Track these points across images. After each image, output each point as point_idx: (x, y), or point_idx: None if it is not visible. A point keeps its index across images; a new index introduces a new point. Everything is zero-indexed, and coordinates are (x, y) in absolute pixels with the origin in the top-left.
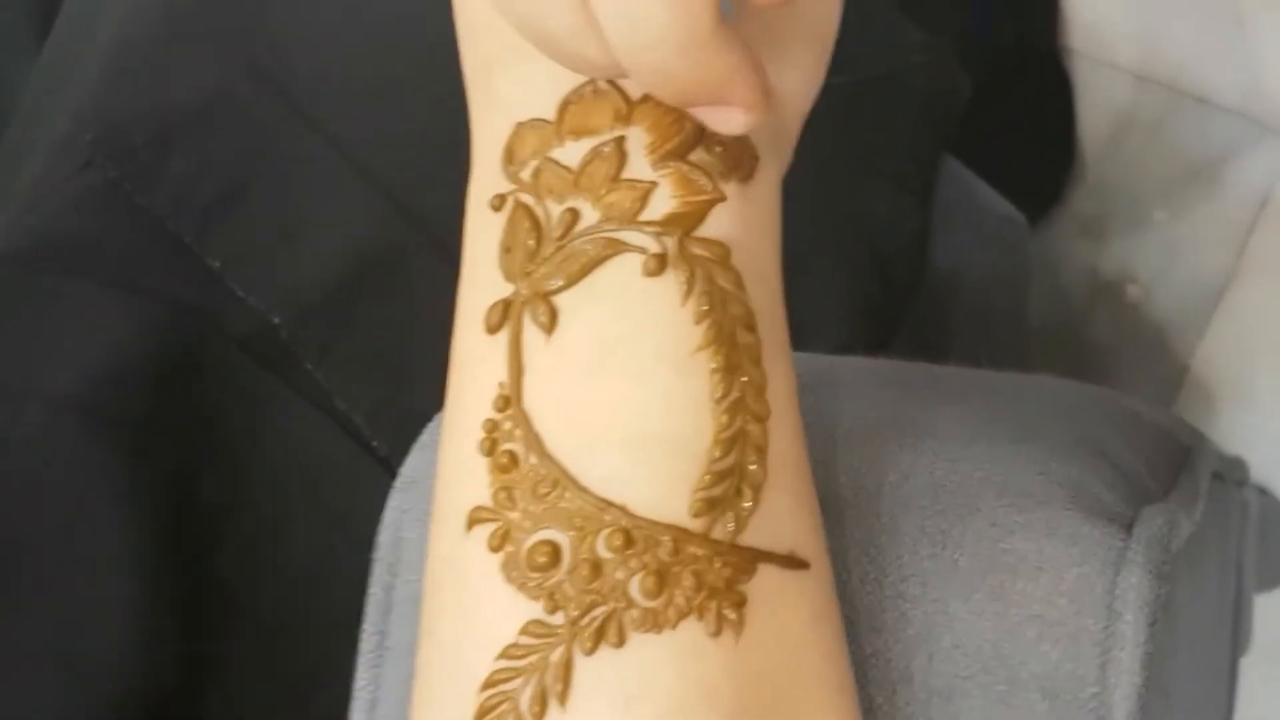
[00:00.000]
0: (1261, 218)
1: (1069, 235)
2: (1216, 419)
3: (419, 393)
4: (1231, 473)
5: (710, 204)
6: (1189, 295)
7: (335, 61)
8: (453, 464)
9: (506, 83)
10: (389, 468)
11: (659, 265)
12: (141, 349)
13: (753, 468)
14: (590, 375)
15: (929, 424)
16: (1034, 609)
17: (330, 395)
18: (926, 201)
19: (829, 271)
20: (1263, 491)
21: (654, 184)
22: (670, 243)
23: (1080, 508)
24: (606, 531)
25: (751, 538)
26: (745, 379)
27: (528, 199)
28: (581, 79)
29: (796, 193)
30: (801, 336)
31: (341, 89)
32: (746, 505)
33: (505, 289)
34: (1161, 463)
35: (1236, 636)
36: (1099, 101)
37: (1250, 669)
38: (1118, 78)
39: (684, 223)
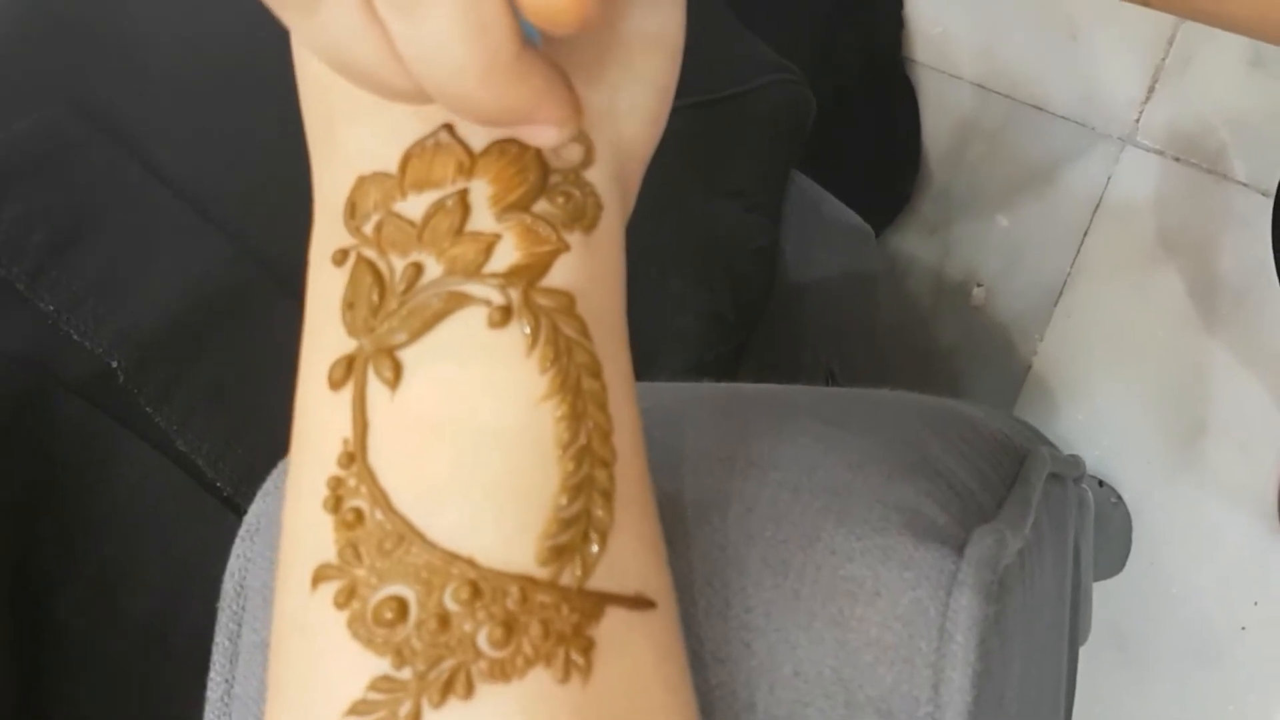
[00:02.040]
0: (1095, 220)
1: (916, 241)
2: (1058, 414)
3: (263, 433)
4: (1069, 470)
5: (554, 254)
6: (1030, 296)
7: (174, 103)
8: (297, 521)
9: (347, 135)
10: (234, 508)
11: (503, 316)
12: None
13: (599, 513)
14: (434, 429)
15: (771, 454)
16: (871, 634)
17: (171, 438)
18: (776, 218)
19: (681, 290)
20: (1100, 483)
21: (498, 236)
22: (515, 294)
23: (914, 532)
24: (454, 584)
25: (598, 581)
26: (592, 425)
27: (370, 253)
28: (423, 130)
29: (649, 213)
30: (655, 354)
31: (180, 129)
32: (594, 550)
33: (349, 344)
34: (995, 474)
35: (1075, 627)
36: (943, 111)
37: (1090, 656)
38: (960, 88)
39: (528, 274)
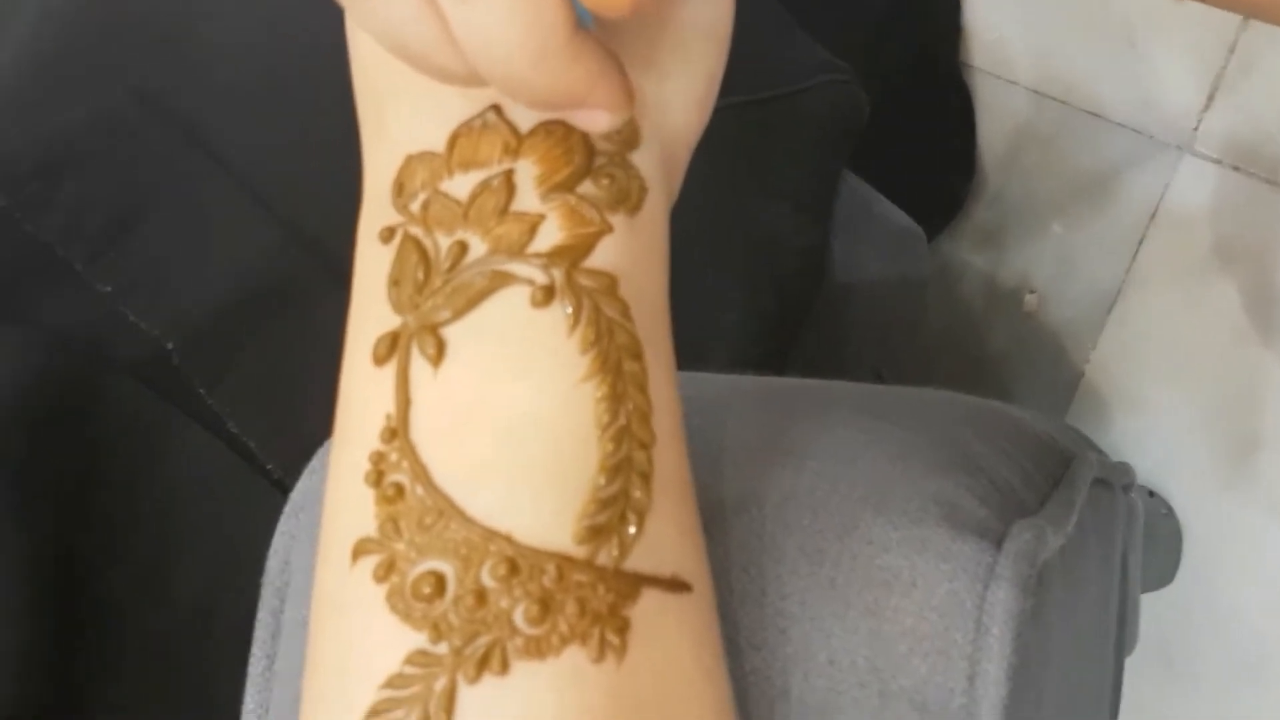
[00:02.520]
0: (1151, 228)
1: (969, 247)
2: (1109, 423)
3: (314, 417)
4: (1117, 478)
5: (597, 236)
6: (1083, 304)
7: (231, 86)
8: (339, 495)
9: (396, 116)
10: (284, 490)
11: (546, 296)
12: (23, 379)
13: (638, 494)
14: (476, 406)
15: (811, 444)
16: (906, 624)
17: (223, 419)
18: (824, 219)
19: (728, 288)
20: (1151, 494)
21: (542, 216)
22: (558, 274)
23: (953, 524)
24: (491, 561)
25: (635, 563)
26: (631, 407)
27: (417, 231)
28: (471, 111)
29: (696, 210)
30: (701, 351)
31: (237, 113)
32: (631, 531)
33: (393, 321)
34: (1040, 473)
35: (1121, 637)
36: (998, 116)
37: (1137, 668)
38: (1015, 93)
39: (571, 254)
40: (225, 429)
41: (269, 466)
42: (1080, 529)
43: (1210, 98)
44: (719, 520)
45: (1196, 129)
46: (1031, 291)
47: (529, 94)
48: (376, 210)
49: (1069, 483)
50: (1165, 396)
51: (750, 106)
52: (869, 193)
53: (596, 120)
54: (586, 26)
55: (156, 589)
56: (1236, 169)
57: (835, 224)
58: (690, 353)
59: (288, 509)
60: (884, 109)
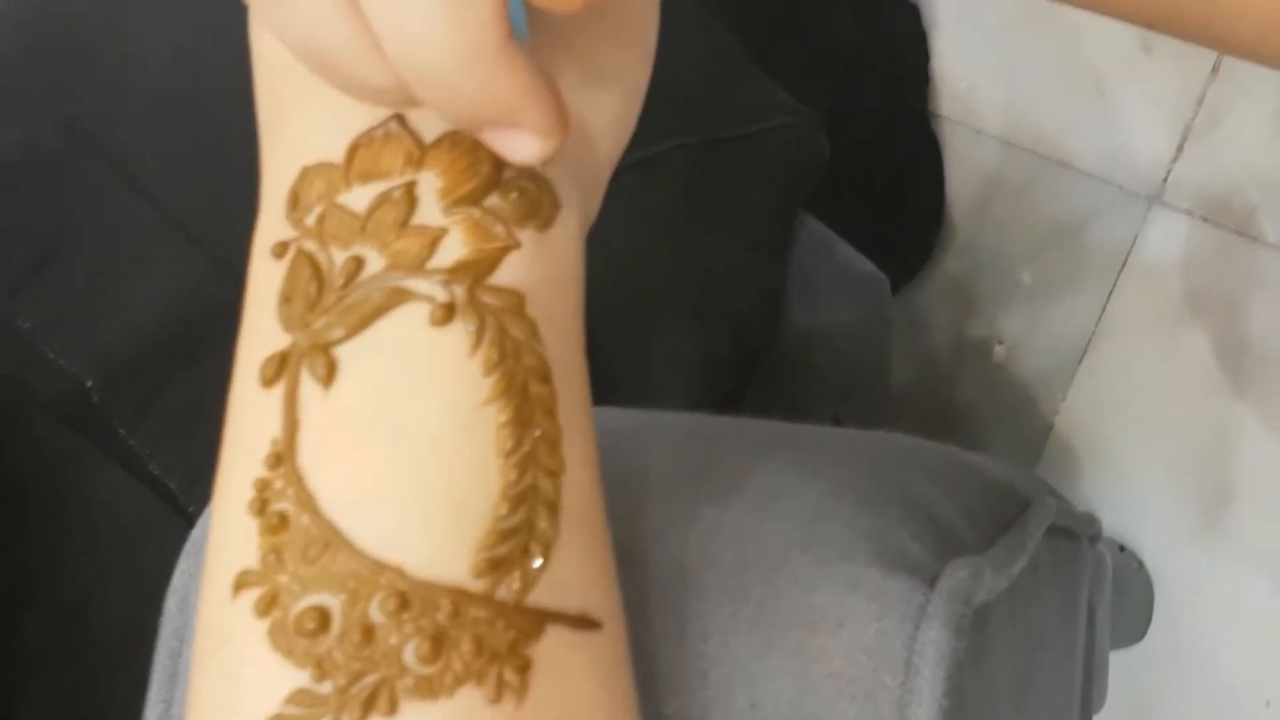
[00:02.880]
0: (1121, 279)
1: (937, 296)
2: (1079, 475)
3: None
4: (1083, 528)
5: (503, 251)
6: (1053, 355)
7: (164, 122)
8: (222, 525)
9: (296, 125)
10: None
11: (446, 314)
12: None
13: (543, 525)
14: (368, 430)
15: (738, 478)
16: (833, 666)
17: (144, 460)
18: (781, 260)
19: (682, 329)
20: (1122, 548)
21: (444, 230)
22: (459, 291)
23: (883, 562)
24: (380, 595)
25: (539, 598)
26: (538, 433)
27: (311, 246)
28: (373, 121)
29: (649, 250)
30: (653, 393)
31: (167, 145)
32: (535, 564)
33: (283, 340)
34: (988, 515)
35: (1089, 691)
36: (967, 165)
37: None
38: (985, 142)
39: (474, 270)
40: (146, 470)
41: (190, 509)
42: (1035, 575)
43: (1180, 148)
44: (637, 555)
45: (1166, 180)
46: (1000, 342)
47: (456, 102)
48: (271, 225)
49: (1020, 526)
50: (1136, 448)
51: (708, 146)
52: (829, 237)
53: (525, 145)
54: (521, 37)
55: (72, 633)
56: (1206, 220)
57: (793, 267)
58: (640, 394)
59: (188, 546)
60: (852, 158)
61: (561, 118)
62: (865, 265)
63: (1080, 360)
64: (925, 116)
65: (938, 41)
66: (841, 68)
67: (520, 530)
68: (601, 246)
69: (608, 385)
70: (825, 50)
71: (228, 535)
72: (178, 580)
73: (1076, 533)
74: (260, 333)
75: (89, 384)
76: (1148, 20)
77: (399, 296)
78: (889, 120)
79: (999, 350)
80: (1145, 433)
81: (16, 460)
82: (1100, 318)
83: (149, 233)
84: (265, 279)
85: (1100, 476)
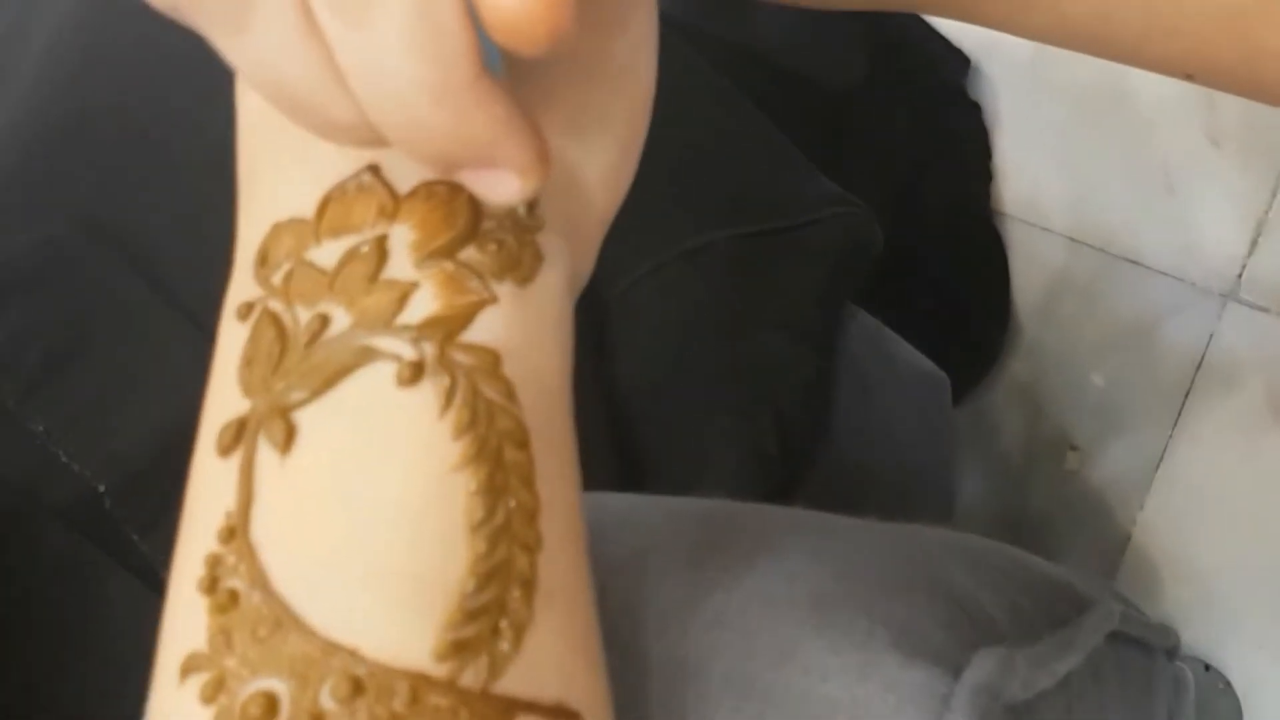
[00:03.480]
0: (1197, 380)
1: (1005, 400)
2: (1161, 589)
3: None
4: (1157, 640)
5: (477, 306)
6: (1128, 461)
7: (183, 215)
8: (174, 604)
9: (269, 182)
10: None
11: (414, 373)
12: None
13: (515, 605)
14: (325, 500)
15: (747, 561)
16: None
17: (158, 568)
18: (826, 353)
19: (725, 425)
20: (1207, 667)
21: (415, 284)
22: (429, 348)
23: (903, 649)
24: (332, 679)
25: (510, 685)
26: (513, 503)
27: (276, 305)
28: (347, 173)
29: (693, 341)
30: (693, 489)
31: (189, 245)
32: (504, 648)
33: (242, 406)
34: (1038, 611)
35: None
36: (1033, 264)
37: None
38: (1051, 241)
39: (446, 326)
40: (159, 578)
41: None
42: (1098, 683)
43: (1254, 243)
44: (633, 645)
45: (1240, 275)
46: (1073, 448)
47: (427, 141)
48: (239, 285)
49: (1076, 626)
50: (1220, 561)
51: (754, 238)
52: (882, 332)
53: (505, 185)
54: (495, 71)
55: None
56: None
57: (845, 363)
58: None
59: None
60: (915, 258)
61: (542, 155)
62: (924, 364)
63: (1157, 466)
64: (989, 215)
65: (1000, 138)
66: (903, 166)
67: (489, 609)
68: (645, 338)
69: (647, 481)
70: (887, 149)
71: (178, 615)
72: None
73: (1150, 644)
74: (221, 399)
75: (102, 489)
76: (1185, 71)
77: (365, 355)
78: (952, 219)
79: (1072, 456)
80: (1230, 544)
81: (24, 567)
82: (1177, 421)
83: (168, 334)
84: (230, 342)
85: (1183, 591)
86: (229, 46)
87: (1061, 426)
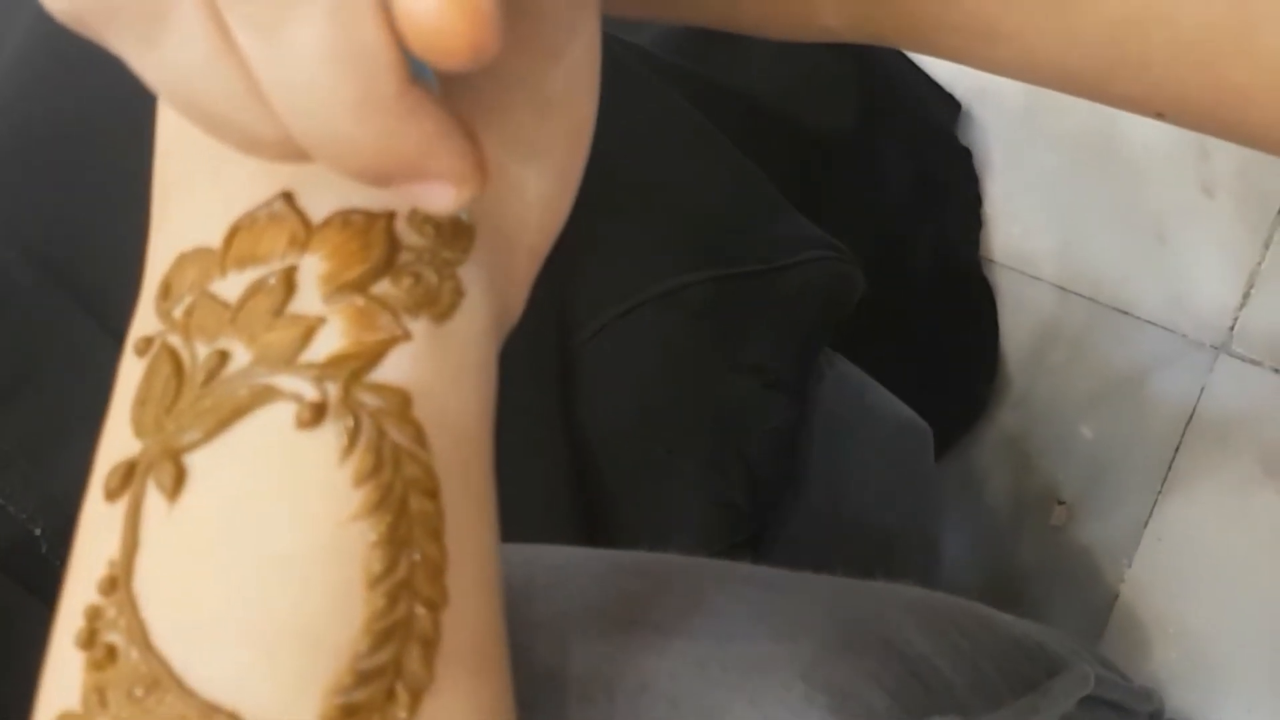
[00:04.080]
0: (1188, 434)
1: (992, 452)
2: (1149, 650)
3: None
4: (1138, 704)
5: (387, 344)
6: (1117, 516)
7: (132, 252)
8: (52, 659)
9: (178, 208)
10: None
11: (315, 415)
12: None
13: (414, 667)
14: (212, 550)
15: (681, 620)
16: None
17: None
18: (797, 400)
19: (691, 474)
20: None
21: (322, 320)
22: (332, 388)
23: (842, 717)
24: None
25: None
26: (417, 556)
27: (175, 341)
28: (258, 200)
29: (663, 387)
30: (659, 543)
31: (136, 282)
32: (400, 714)
33: (133, 447)
34: (1002, 677)
35: None
36: (1022, 313)
37: None
38: (1040, 289)
39: (351, 364)
40: None
41: None
42: None
43: (1246, 295)
44: (556, 710)
45: (1233, 328)
46: (1060, 502)
47: (353, 159)
48: (141, 319)
49: (1044, 691)
50: (1210, 620)
51: (729, 281)
52: (862, 379)
53: (440, 197)
54: (427, 84)
55: None
56: (1277, 371)
57: (819, 410)
58: (647, 548)
59: None
60: (901, 305)
61: (479, 163)
62: (905, 413)
63: (1146, 523)
64: (978, 262)
65: (990, 184)
66: (891, 211)
67: (384, 671)
68: (613, 383)
69: (610, 533)
70: (875, 193)
71: (55, 671)
72: None
73: (1130, 709)
74: (114, 441)
75: (38, 532)
76: (1155, 109)
77: (263, 395)
78: (941, 266)
79: (1059, 511)
80: (1221, 604)
81: None
82: (1166, 476)
83: (110, 369)
84: (127, 379)
85: (1172, 651)
86: (142, 63)
87: (1049, 480)
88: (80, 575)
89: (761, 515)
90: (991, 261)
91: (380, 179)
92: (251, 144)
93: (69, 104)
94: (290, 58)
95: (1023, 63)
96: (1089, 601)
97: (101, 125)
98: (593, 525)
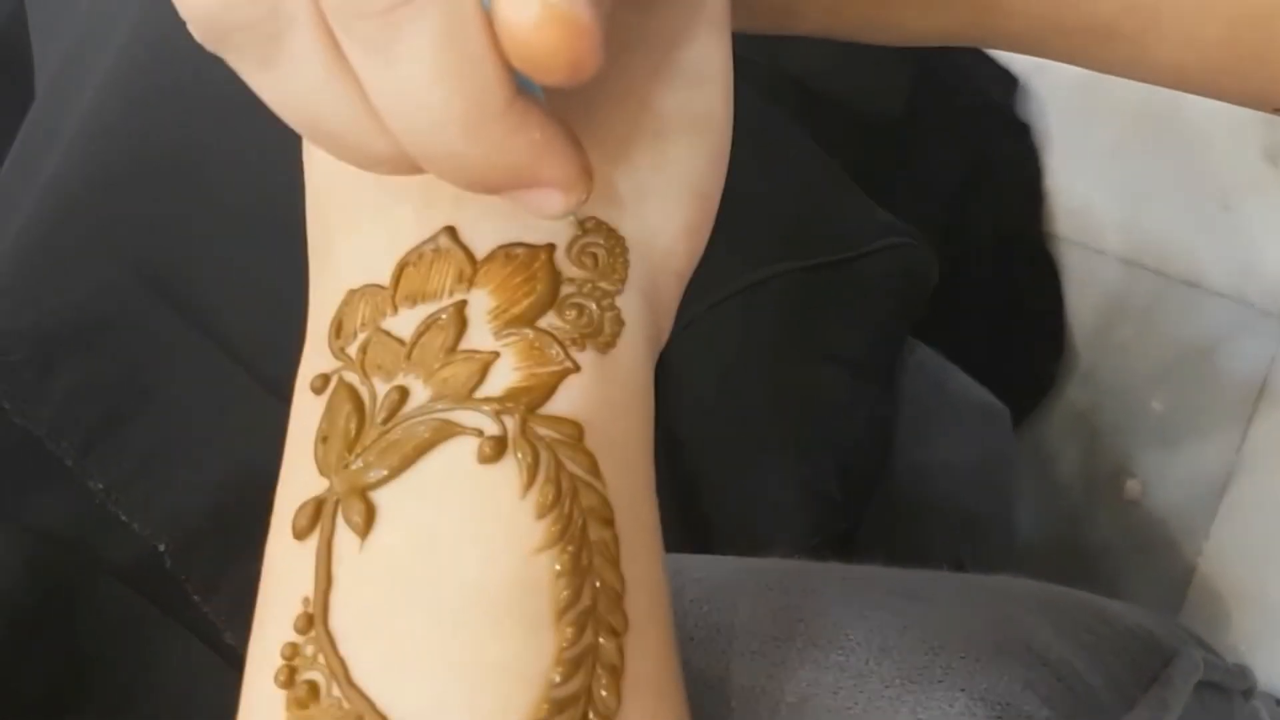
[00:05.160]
0: (1261, 404)
1: (1061, 429)
2: (1227, 622)
3: None
4: (1235, 682)
5: (560, 376)
6: (1191, 490)
7: (241, 268)
8: (250, 698)
9: (343, 248)
10: None
11: (496, 449)
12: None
13: (603, 694)
14: (406, 585)
15: (837, 633)
16: None
17: (219, 629)
18: (889, 389)
19: (785, 465)
20: (1278, 702)
21: (495, 355)
22: (511, 422)
23: None
24: None
25: None
26: (599, 584)
27: (352, 378)
28: (424, 236)
29: (751, 380)
30: (754, 536)
31: (249, 298)
32: None
33: (319, 485)
34: (1129, 672)
35: None
36: (1087, 288)
37: None
38: (1105, 263)
39: (527, 398)
40: (221, 640)
41: None
42: None
43: None
44: None
45: None
46: (1133, 477)
47: (465, 172)
48: (313, 356)
49: (1166, 682)
50: None
51: (807, 273)
52: (941, 365)
53: (549, 202)
54: (533, 94)
55: None
56: None
57: (903, 397)
58: (743, 538)
59: None
60: (965, 283)
61: (584, 169)
62: (984, 395)
63: (1222, 495)
64: (1040, 237)
65: (1050, 159)
66: (951, 190)
67: (577, 699)
68: (701, 380)
69: (705, 529)
70: (933, 173)
71: (254, 710)
72: None
73: (1228, 688)
74: (296, 478)
75: (162, 548)
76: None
77: (445, 430)
78: (1002, 243)
79: (1132, 485)
80: None
81: (83, 629)
82: (1240, 447)
83: (226, 386)
84: (305, 417)
85: (1252, 623)
86: (259, 83)
87: (1120, 455)
88: (273, 613)
89: (856, 506)
90: (1054, 236)
91: (491, 188)
92: (367, 159)
93: (176, 125)
94: (401, 76)
95: (1138, 63)
96: (1166, 576)
97: (209, 146)
98: (686, 520)
